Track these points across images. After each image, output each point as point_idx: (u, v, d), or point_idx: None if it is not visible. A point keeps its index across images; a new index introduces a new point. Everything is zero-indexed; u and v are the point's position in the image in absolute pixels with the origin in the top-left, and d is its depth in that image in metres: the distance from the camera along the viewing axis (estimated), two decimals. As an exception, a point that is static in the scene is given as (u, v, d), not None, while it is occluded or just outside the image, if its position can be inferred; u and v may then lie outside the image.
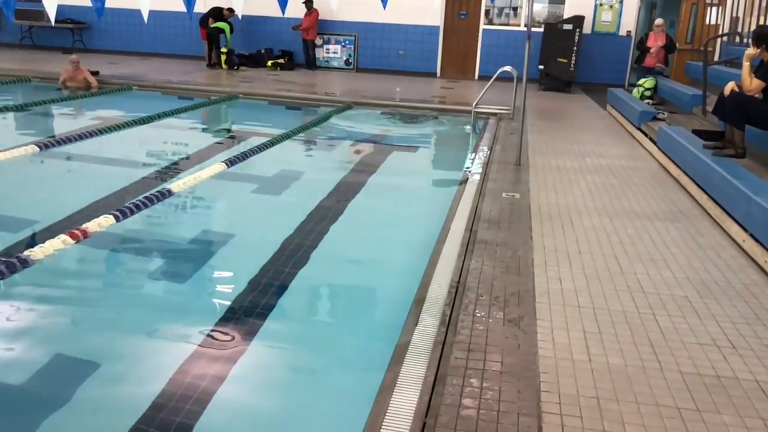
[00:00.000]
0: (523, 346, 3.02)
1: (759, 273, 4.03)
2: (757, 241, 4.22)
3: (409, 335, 3.17)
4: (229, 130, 9.61)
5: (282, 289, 3.99)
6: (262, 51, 15.24)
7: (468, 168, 6.67)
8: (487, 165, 6.62)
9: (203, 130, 9.61)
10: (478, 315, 3.30)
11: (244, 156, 6.88)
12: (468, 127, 9.33)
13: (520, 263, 4.01)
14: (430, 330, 3.20)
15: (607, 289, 3.70)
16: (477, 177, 6.16)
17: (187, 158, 7.28)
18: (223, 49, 14.35)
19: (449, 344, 3.01)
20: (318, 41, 15.22)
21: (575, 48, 12.90)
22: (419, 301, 3.55)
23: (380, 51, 15.21)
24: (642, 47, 11.47)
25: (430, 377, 2.76)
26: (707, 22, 12.59)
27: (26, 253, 3.98)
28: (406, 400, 2.61)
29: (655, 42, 11.14)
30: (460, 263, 4.01)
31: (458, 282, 3.72)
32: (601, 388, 2.71)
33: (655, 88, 10.45)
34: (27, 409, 2.81)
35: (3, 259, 3.90)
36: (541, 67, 13.33)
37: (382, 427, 2.44)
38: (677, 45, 12.04)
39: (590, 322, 3.28)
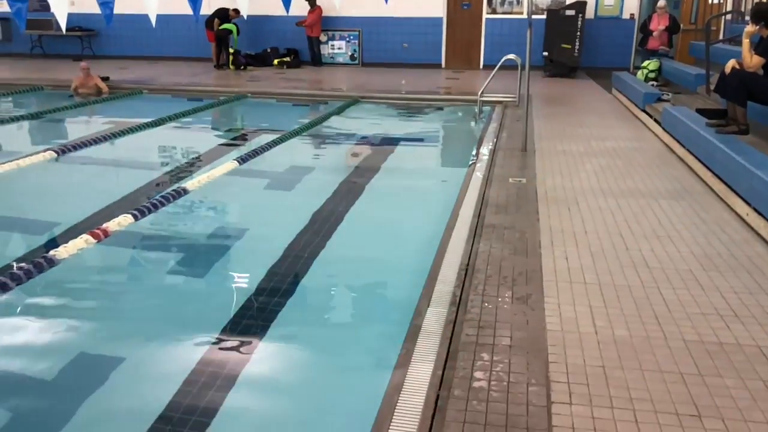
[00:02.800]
0: (531, 321, 3.14)
1: (762, 245, 4.12)
2: (760, 214, 4.31)
3: (422, 316, 3.29)
4: (239, 129, 9.77)
5: (299, 276, 4.15)
6: (268, 50, 15.38)
7: (475, 155, 6.78)
8: (493, 152, 6.73)
9: (214, 129, 9.77)
10: (488, 294, 3.42)
11: (254, 153, 7.03)
12: (474, 116, 9.42)
13: (528, 245, 4.12)
14: (441, 310, 3.32)
15: (613, 265, 3.80)
16: (484, 164, 6.26)
17: (200, 157, 7.44)
18: (231, 50, 14.51)
19: (460, 323, 3.14)
20: (322, 38, 15.34)
21: (579, 33, 12.92)
22: (430, 284, 3.67)
23: (385, 45, 15.30)
24: (645, 30, 11.50)
25: (443, 353, 2.88)
26: (710, 1, 12.59)
27: (52, 252, 4.15)
28: (420, 375, 2.74)
29: (658, 24, 11.16)
30: (469, 247, 4.12)
31: (467, 264, 3.84)
32: (607, 357, 2.82)
33: (659, 70, 10.48)
34: (53, 401, 2.96)
35: (31, 259, 4.07)
36: (546, 53, 13.39)
37: (399, 400, 2.57)
38: (681, 25, 12.04)
39: (596, 298, 3.39)
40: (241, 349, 3.30)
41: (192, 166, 7.02)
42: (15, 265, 4.05)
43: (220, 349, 3.29)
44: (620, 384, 2.62)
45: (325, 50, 15.54)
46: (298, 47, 15.39)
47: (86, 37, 16.29)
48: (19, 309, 3.80)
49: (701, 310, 3.26)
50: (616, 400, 2.51)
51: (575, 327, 3.09)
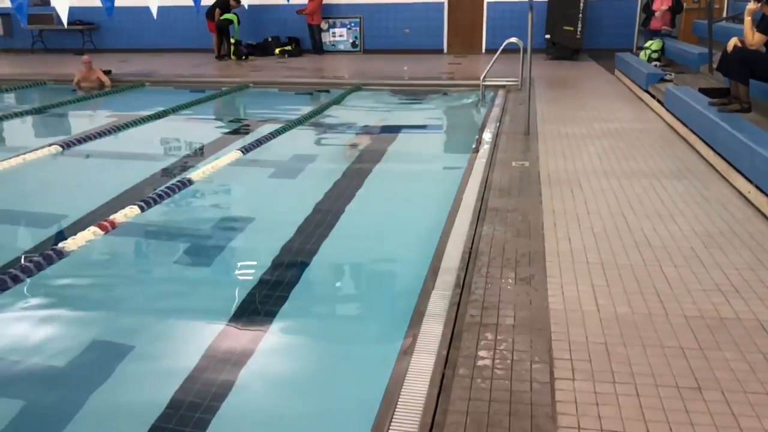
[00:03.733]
0: (534, 301, 3.18)
1: (764, 222, 4.14)
2: (762, 191, 4.33)
3: (426, 299, 3.33)
4: (242, 119, 9.81)
5: (304, 264, 4.20)
6: (269, 39, 15.37)
7: (478, 140, 6.79)
8: (496, 136, 6.74)
9: (217, 120, 9.81)
10: (491, 276, 3.47)
11: (258, 143, 7.07)
12: (477, 101, 9.42)
13: (531, 227, 4.16)
14: (446, 292, 3.36)
15: (615, 245, 3.84)
16: (487, 148, 6.29)
17: (203, 148, 7.48)
18: (232, 40, 14.51)
19: (464, 304, 3.18)
20: (323, 26, 15.31)
21: (581, 15, 12.85)
22: (435, 268, 3.71)
23: (386, 31, 15.27)
24: (648, 10, 11.44)
25: (448, 333, 2.93)
26: (713, -20, 12.47)
27: (61, 245, 4.20)
28: (425, 354, 2.78)
29: (661, 4, 11.10)
30: (472, 230, 4.16)
31: (471, 247, 3.87)
32: (609, 334, 2.87)
33: (662, 50, 10.43)
34: (64, 390, 3.03)
35: (41, 251, 4.13)
36: (548, 36, 13.33)
37: (405, 379, 2.62)
38: (684, 5, 11.96)
39: (599, 277, 3.43)
40: (250, 336, 3.36)
41: (196, 156, 7.07)
42: (25, 257, 4.11)
43: (228, 336, 3.35)
44: (622, 359, 2.67)
45: (327, 38, 15.51)
46: (300, 36, 15.37)
47: (87, 31, 16.32)
48: (30, 301, 3.86)
49: (702, 286, 3.29)
50: (618, 375, 2.56)
51: (578, 305, 3.13)
